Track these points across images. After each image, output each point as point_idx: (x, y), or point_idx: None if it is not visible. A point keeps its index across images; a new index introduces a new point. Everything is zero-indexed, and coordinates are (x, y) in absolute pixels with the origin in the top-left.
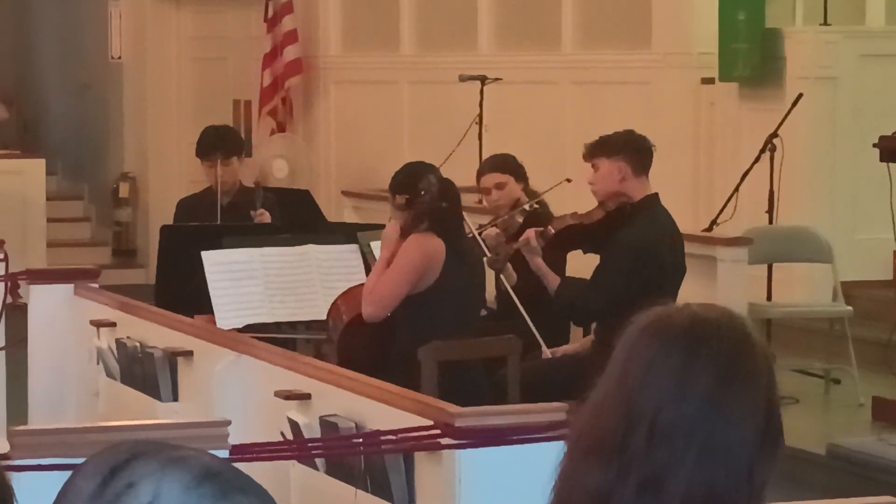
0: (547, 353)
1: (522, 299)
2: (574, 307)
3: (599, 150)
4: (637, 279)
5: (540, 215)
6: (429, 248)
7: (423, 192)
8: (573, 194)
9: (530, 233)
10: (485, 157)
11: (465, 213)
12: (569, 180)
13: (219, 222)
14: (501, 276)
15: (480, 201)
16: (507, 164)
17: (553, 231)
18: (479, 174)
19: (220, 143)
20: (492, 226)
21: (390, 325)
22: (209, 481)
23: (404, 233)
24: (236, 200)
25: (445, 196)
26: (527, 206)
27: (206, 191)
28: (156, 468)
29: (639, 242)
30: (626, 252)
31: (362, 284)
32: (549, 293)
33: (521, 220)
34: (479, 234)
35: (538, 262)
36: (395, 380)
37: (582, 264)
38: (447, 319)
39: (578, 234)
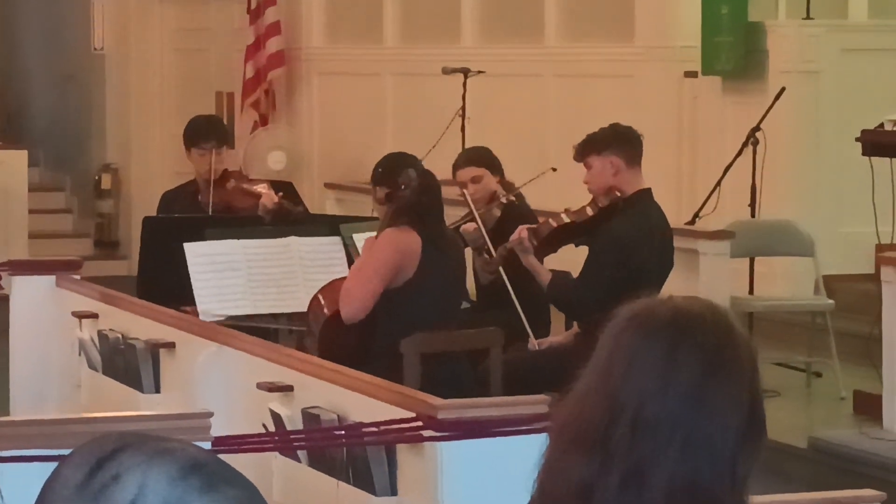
0: (534, 343)
1: (505, 291)
2: (566, 302)
3: (589, 148)
4: (622, 272)
5: (517, 208)
6: (401, 243)
7: (402, 187)
8: (557, 186)
9: (523, 231)
10: None
11: (472, 205)
12: (554, 169)
13: (211, 212)
14: (476, 269)
15: (463, 195)
16: (482, 158)
17: (546, 231)
18: (455, 168)
19: (213, 131)
20: (469, 220)
21: (371, 318)
22: (195, 473)
23: (384, 227)
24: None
25: (426, 189)
26: (503, 199)
27: (190, 183)
28: (142, 460)
29: (625, 236)
30: (612, 245)
31: (344, 278)
32: (531, 285)
33: (498, 213)
34: (459, 227)
35: (530, 260)
36: (377, 373)
37: (572, 257)
38: (428, 312)
39: (570, 231)
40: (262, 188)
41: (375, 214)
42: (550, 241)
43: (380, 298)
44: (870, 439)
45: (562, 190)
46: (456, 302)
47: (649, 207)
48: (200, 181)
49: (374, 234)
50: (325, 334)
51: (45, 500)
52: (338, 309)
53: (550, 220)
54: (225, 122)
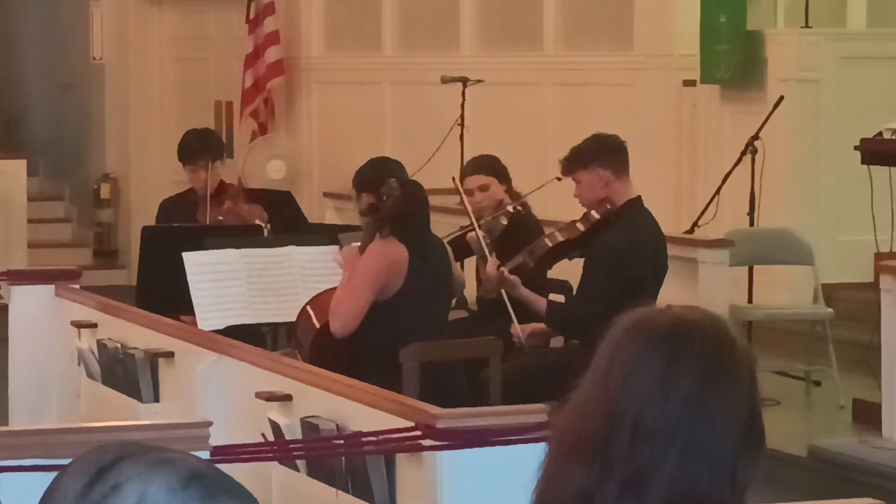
0: (517, 329)
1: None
2: (567, 323)
3: (574, 163)
4: (618, 283)
5: (523, 217)
6: (389, 256)
7: (384, 197)
8: (559, 195)
9: (498, 271)
10: (466, 158)
11: (471, 215)
12: (559, 178)
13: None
14: (480, 279)
15: (461, 203)
16: (490, 166)
17: (542, 251)
18: (463, 175)
19: (204, 148)
20: (471, 230)
21: (362, 330)
22: (195, 483)
23: (366, 239)
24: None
25: (409, 199)
26: (510, 208)
27: (189, 192)
28: (142, 470)
29: (618, 247)
30: (607, 257)
31: (333, 289)
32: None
33: (505, 222)
34: (464, 235)
35: (521, 293)
36: (369, 383)
37: (570, 269)
38: (418, 321)
39: (565, 248)
40: (255, 213)
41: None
42: (546, 259)
43: (370, 310)
44: (869, 448)
45: (565, 199)
46: (445, 307)
47: (640, 216)
48: (199, 194)
49: (358, 244)
50: (315, 346)
51: None
52: (327, 321)
53: (546, 239)
54: (224, 131)
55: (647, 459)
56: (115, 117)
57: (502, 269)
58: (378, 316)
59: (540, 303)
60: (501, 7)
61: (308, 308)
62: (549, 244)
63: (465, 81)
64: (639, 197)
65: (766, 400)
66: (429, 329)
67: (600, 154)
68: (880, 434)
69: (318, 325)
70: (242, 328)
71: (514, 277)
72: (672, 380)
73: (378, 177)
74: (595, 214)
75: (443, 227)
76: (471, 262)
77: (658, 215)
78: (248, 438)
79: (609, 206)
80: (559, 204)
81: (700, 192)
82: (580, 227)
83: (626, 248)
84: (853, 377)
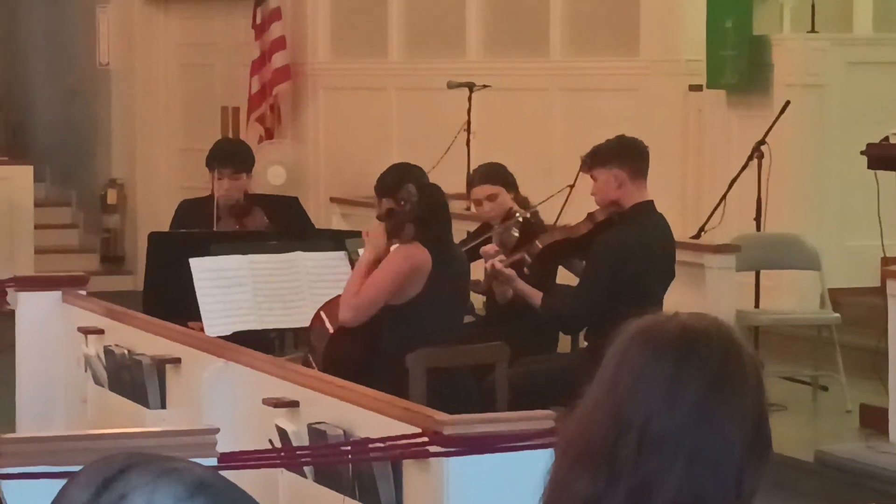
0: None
1: (514, 305)
2: (560, 318)
3: (595, 160)
4: (615, 283)
5: (533, 225)
6: (415, 260)
7: (402, 202)
8: (569, 201)
9: (493, 265)
10: (473, 164)
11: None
12: (571, 186)
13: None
14: (494, 290)
15: (468, 208)
16: (497, 175)
17: (539, 250)
18: (470, 185)
19: (225, 157)
20: (486, 240)
21: (375, 334)
22: (201, 493)
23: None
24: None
25: (429, 204)
26: (519, 217)
27: (209, 198)
28: (149, 480)
29: (617, 247)
30: (604, 256)
31: None
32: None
33: (517, 234)
34: (478, 247)
35: (517, 286)
36: (381, 388)
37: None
38: (432, 327)
39: (566, 247)
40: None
41: None
42: (546, 258)
43: (385, 313)
44: (876, 453)
45: (574, 205)
46: (459, 316)
47: (648, 219)
48: (216, 202)
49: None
50: (329, 350)
51: None
52: (341, 326)
53: (546, 236)
54: (230, 136)
55: (654, 467)
56: (122, 123)
57: (494, 263)
58: (393, 319)
59: (536, 296)
60: (508, 13)
61: (322, 313)
62: (548, 241)
63: (471, 87)
64: (650, 201)
65: (772, 405)
66: (442, 337)
67: (619, 154)
68: (887, 439)
69: (331, 330)
70: (249, 334)
71: (509, 271)
72: (679, 387)
73: (398, 182)
74: (599, 216)
75: None
76: (477, 267)
77: None
78: (255, 445)
79: (616, 209)
80: (573, 210)
81: (706, 197)
82: (583, 227)
83: (626, 249)
84: (860, 382)
